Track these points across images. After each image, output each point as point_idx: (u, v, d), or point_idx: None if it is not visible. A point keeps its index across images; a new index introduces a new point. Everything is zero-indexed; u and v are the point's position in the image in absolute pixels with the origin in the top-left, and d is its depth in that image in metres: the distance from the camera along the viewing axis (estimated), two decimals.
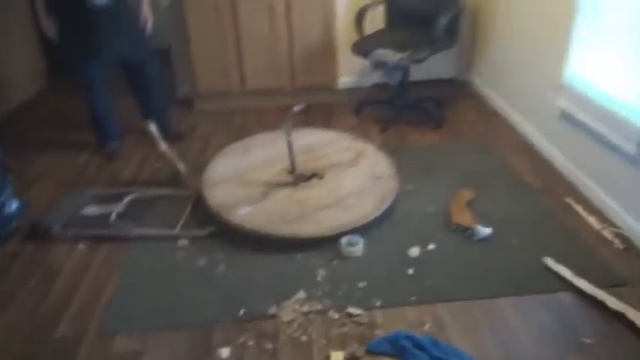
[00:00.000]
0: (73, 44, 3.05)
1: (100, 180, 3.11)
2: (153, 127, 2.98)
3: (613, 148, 2.50)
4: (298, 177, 2.75)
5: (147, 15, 3.29)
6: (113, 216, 2.61)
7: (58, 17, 3.02)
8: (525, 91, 3.44)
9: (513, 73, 3.61)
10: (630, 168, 2.40)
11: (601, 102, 2.59)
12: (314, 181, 2.77)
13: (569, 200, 2.70)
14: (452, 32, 3.58)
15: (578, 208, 2.63)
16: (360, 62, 4.08)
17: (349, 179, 2.78)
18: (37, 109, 4.31)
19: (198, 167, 3.04)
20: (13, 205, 2.53)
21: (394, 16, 3.82)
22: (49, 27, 3.05)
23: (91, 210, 2.72)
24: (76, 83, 3.31)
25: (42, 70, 4.77)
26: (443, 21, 3.32)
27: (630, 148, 2.35)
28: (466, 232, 2.46)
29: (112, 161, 3.31)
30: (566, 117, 2.91)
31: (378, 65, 3.51)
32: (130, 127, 3.59)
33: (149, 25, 3.29)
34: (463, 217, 2.54)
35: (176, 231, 2.55)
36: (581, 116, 2.74)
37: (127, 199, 2.74)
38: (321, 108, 3.99)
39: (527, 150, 3.27)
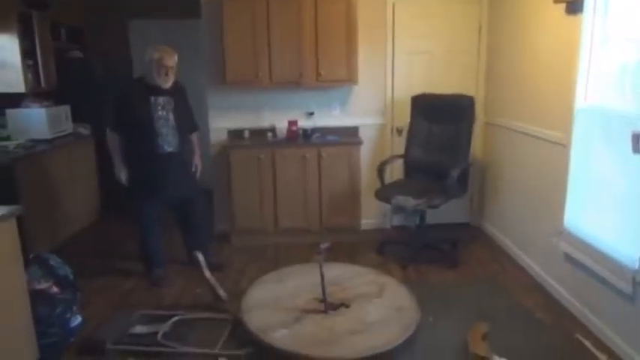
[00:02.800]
0: (139, 185, 3.59)
1: (146, 303, 3.43)
2: (200, 257, 3.38)
3: (611, 287, 2.80)
4: (328, 305, 3.05)
5: (198, 163, 3.90)
6: (159, 335, 2.90)
7: (130, 161, 3.60)
8: (531, 236, 3.82)
9: (520, 219, 4.03)
10: (627, 305, 2.67)
11: (598, 246, 2.95)
12: (342, 309, 3.05)
13: (579, 336, 2.92)
14: (463, 183, 4.09)
15: (587, 344, 2.84)
16: (380, 206, 4.59)
17: (374, 309, 3.06)
18: (90, 238, 4.82)
19: (236, 294, 3.37)
20: (77, 321, 2.84)
21: (412, 168, 4.38)
22: (123, 174, 3.61)
23: (139, 329, 3.00)
24: (132, 218, 3.79)
25: (97, 205, 5.35)
26: (454, 173, 3.84)
27: (625, 286, 2.65)
28: None
29: (157, 287, 3.66)
30: (569, 259, 3.25)
31: (398, 210, 3.98)
32: (173, 258, 4.00)
33: (198, 172, 3.89)
34: (479, 348, 2.76)
35: (217, 350, 2.80)
36: (582, 259, 3.07)
37: (172, 320, 3.05)
38: (346, 246, 4.38)
39: (537, 289, 3.56)
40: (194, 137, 3.95)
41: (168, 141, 3.55)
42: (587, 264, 3.02)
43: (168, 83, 3.53)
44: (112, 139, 3.60)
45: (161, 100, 3.53)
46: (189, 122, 3.83)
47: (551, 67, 3.47)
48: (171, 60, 3.51)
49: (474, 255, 4.21)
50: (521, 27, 3.95)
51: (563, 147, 3.28)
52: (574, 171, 3.21)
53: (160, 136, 3.51)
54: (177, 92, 3.66)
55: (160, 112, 3.52)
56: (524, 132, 3.90)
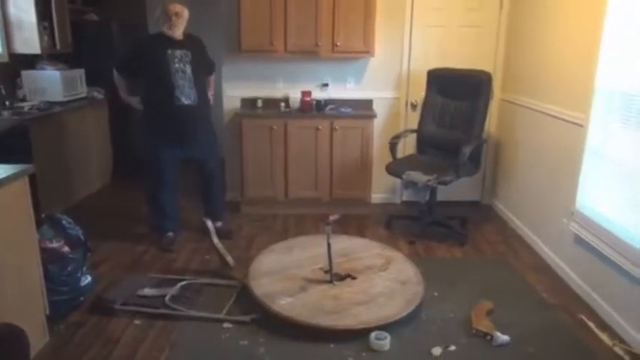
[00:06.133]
0: (158, 135, 3.60)
1: (156, 267, 3.48)
2: (209, 223, 3.41)
3: (620, 271, 2.77)
4: (334, 275, 3.07)
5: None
6: (167, 298, 2.95)
7: (150, 111, 3.64)
8: (542, 217, 3.79)
9: (531, 199, 3.99)
10: (636, 288, 2.65)
11: (608, 228, 2.92)
12: (348, 280, 3.08)
13: (583, 317, 2.92)
14: (475, 160, 4.05)
15: (591, 325, 2.84)
16: (391, 181, 4.58)
17: (379, 281, 3.08)
18: (102, 201, 4.89)
19: (243, 262, 3.41)
20: (87, 280, 2.90)
21: (424, 143, 4.33)
22: (132, 99, 3.76)
23: (148, 291, 3.05)
24: (145, 172, 3.78)
25: (109, 169, 5.40)
26: (467, 150, 3.79)
27: (635, 270, 2.63)
28: (485, 337, 2.68)
29: (167, 251, 3.70)
30: (579, 241, 3.22)
31: (408, 185, 3.97)
32: (184, 224, 4.04)
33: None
34: (483, 324, 2.77)
35: (222, 315, 2.84)
36: (592, 241, 3.05)
37: (179, 284, 3.11)
38: (355, 219, 4.39)
39: (545, 269, 3.55)
40: (210, 78, 4.00)
41: (186, 93, 3.56)
42: (597, 246, 2.99)
43: (176, 32, 3.55)
44: (118, 79, 3.71)
45: (178, 52, 3.55)
46: (207, 69, 3.88)
47: (573, 44, 3.38)
48: (177, 6, 3.52)
49: (482, 233, 4.19)
50: (544, 3, 3.83)
51: (580, 127, 3.22)
52: (589, 152, 3.16)
53: (177, 88, 3.54)
54: (193, 44, 3.68)
55: (177, 65, 3.54)
56: (540, 110, 3.82)
